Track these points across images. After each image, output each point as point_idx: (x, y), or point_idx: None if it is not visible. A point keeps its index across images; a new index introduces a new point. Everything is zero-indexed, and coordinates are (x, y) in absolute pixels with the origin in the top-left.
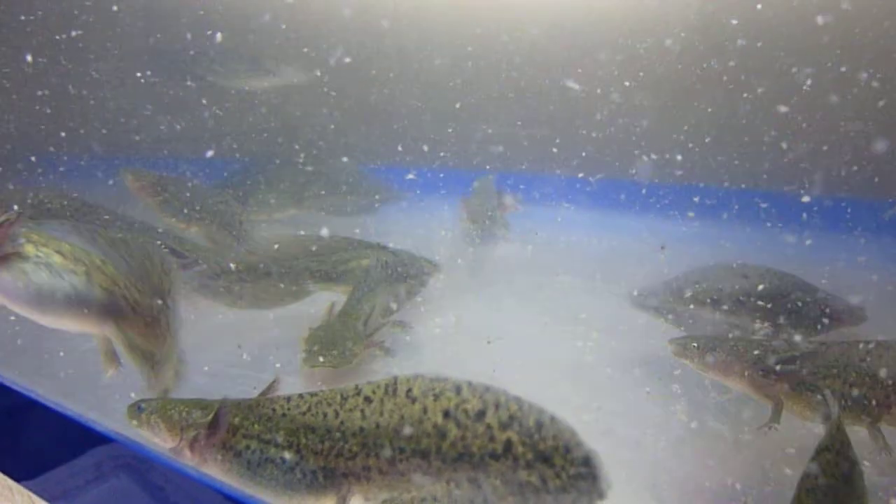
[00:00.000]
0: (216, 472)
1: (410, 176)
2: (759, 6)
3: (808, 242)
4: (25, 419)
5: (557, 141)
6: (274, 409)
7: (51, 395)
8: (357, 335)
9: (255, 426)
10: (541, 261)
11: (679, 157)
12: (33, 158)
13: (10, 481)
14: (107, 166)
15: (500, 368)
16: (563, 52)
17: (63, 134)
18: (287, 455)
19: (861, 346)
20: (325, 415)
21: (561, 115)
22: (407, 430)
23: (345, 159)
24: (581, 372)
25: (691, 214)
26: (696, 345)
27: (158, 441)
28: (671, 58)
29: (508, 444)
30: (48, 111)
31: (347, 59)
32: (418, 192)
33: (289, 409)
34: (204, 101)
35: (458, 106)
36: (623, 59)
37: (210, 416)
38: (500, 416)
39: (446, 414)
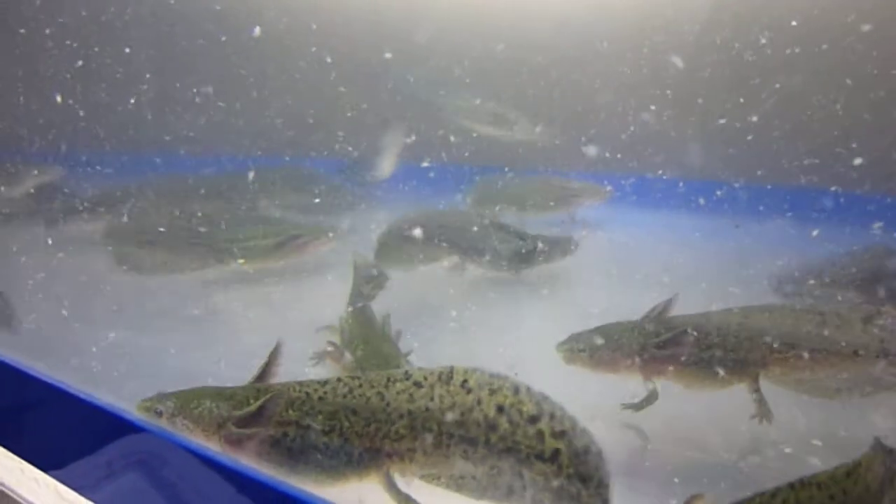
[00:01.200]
0: (254, 462)
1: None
2: None
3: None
4: (51, 409)
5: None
6: (307, 394)
7: (77, 384)
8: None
9: (291, 412)
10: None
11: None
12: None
13: (36, 472)
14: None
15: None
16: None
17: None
18: (329, 439)
19: (735, 311)
20: (368, 398)
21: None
22: (457, 417)
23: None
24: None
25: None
26: (582, 348)
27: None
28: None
29: (556, 454)
30: (82, 112)
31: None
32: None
33: (325, 392)
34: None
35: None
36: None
37: (248, 409)
38: (553, 426)
39: (500, 409)
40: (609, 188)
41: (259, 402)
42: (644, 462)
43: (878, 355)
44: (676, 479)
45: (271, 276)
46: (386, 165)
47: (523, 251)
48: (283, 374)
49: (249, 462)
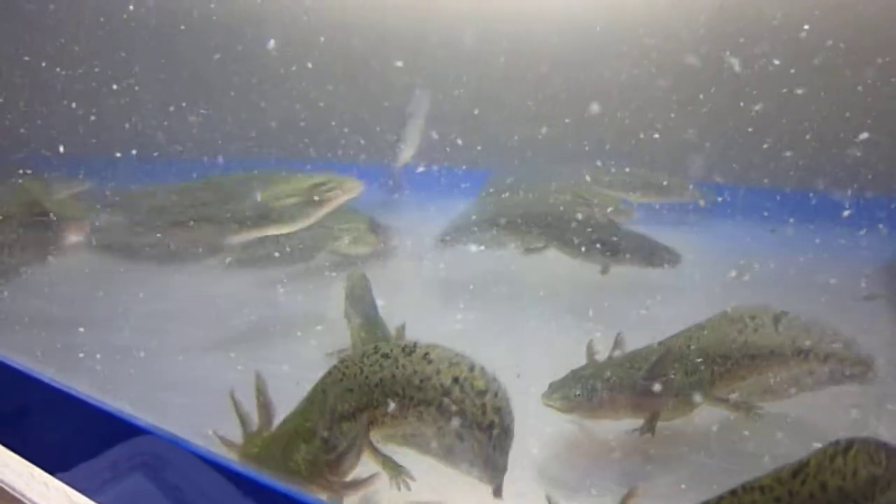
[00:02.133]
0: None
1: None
2: None
3: None
4: (60, 413)
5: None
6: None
7: (85, 389)
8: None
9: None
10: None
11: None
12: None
13: (45, 476)
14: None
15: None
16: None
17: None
18: (344, 430)
19: (684, 334)
20: (354, 375)
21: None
22: (417, 382)
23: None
24: None
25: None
26: (578, 393)
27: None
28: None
29: (491, 425)
30: (81, 113)
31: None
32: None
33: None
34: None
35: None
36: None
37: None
38: (495, 402)
39: (455, 380)
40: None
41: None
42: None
43: (792, 354)
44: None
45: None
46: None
47: (614, 245)
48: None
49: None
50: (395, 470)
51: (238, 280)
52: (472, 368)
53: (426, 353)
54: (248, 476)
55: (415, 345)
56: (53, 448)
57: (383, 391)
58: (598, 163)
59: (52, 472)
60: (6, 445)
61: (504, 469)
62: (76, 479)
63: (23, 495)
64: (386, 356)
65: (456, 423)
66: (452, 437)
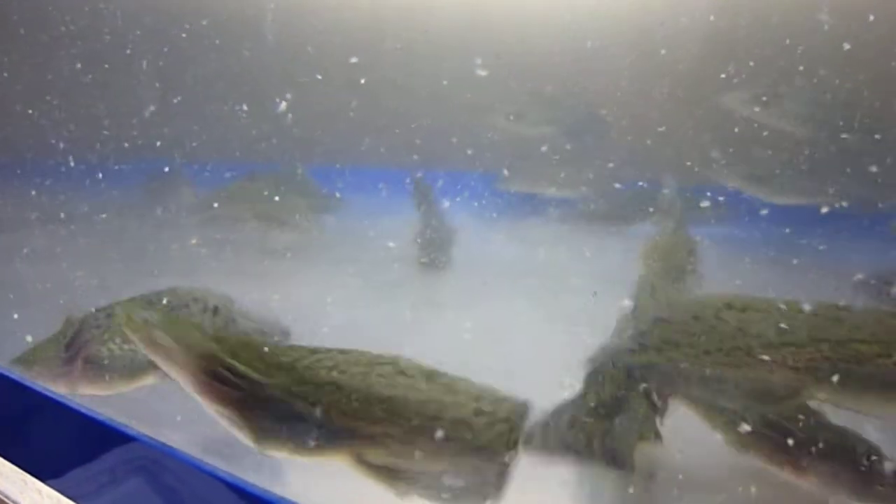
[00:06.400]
0: (223, 413)
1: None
2: None
3: None
4: (53, 421)
5: None
6: (295, 359)
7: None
8: None
9: (282, 377)
10: None
11: None
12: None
13: (38, 483)
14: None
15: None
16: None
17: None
18: (311, 410)
19: None
20: (352, 375)
21: None
22: (434, 413)
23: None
24: None
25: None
26: None
27: (159, 361)
28: None
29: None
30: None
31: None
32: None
33: (315, 362)
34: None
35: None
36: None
37: (218, 347)
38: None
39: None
40: None
41: (218, 340)
42: None
43: None
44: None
45: None
46: None
47: None
48: None
49: (216, 411)
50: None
51: None
52: (502, 399)
53: (449, 385)
54: (240, 485)
55: (437, 373)
56: (46, 456)
57: (390, 410)
58: None
59: (44, 479)
60: None
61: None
62: (69, 486)
63: (16, 503)
64: (404, 374)
65: (474, 458)
66: (470, 468)
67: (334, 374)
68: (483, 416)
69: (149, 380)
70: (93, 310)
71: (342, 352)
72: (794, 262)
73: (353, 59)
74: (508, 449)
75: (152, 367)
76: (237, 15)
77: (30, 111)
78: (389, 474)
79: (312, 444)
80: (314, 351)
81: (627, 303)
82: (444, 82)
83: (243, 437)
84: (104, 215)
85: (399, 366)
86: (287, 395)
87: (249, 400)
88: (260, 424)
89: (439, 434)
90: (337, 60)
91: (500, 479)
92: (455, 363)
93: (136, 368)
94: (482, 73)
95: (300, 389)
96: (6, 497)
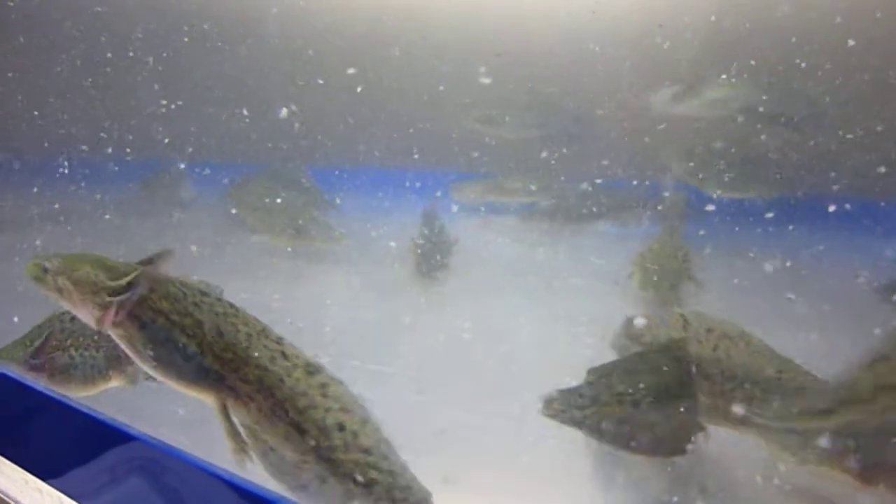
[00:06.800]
0: (122, 341)
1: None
2: None
3: None
4: (54, 420)
5: None
6: (185, 294)
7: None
8: None
9: (164, 303)
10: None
11: None
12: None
13: (38, 482)
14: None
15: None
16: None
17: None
18: (188, 344)
19: None
20: (237, 330)
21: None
22: (302, 405)
23: None
24: None
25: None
26: None
27: (65, 304)
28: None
29: (371, 482)
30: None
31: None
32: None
33: (202, 301)
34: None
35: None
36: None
37: (123, 282)
38: (380, 464)
39: (341, 427)
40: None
41: (130, 277)
42: None
43: None
44: None
45: None
46: None
47: None
48: None
49: (118, 339)
50: (239, 446)
51: None
52: (364, 422)
53: (324, 384)
54: (240, 484)
55: (320, 368)
56: (47, 455)
57: (261, 379)
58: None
59: (45, 478)
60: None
61: None
62: (70, 485)
63: (17, 502)
64: (285, 356)
65: (324, 466)
66: (313, 475)
67: (219, 321)
68: (344, 434)
69: (112, 383)
70: (59, 313)
71: (232, 306)
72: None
73: (351, 70)
74: (355, 482)
75: (114, 370)
76: (239, 17)
77: (31, 111)
78: (247, 433)
79: (188, 376)
80: (205, 294)
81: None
82: (441, 87)
83: (138, 361)
84: (107, 216)
85: (283, 348)
86: (168, 323)
87: (137, 325)
88: (145, 348)
89: (300, 423)
90: (336, 64)
91: (342, 500)
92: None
93: (96, 375)
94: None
95: (182, 321)
96: (7, 496)
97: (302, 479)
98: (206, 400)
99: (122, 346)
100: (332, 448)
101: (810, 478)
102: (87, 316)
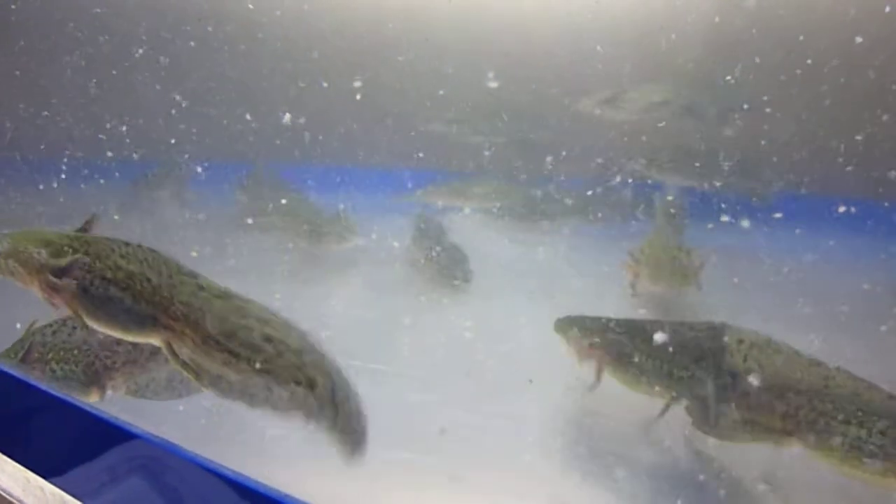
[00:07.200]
0: (70, 306)
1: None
2: None
3: None
4: (55, 419)
5: None
6: (112, 249)
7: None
8: None
9: (97, 263)
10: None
11: None
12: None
13: (41, 480)
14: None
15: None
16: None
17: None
18: (124, 296)
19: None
20: (160, 273)
21: None
22: (225, 329)
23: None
24: None
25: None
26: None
27: (18, 284)
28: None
29: (313, 382)
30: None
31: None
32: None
33: (127, 253)
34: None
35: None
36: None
37: (62, 263)
38: (316, 361)
39: (268, 339)
40: None
41: (69, 259)
42: None
43: None
44: None
45: None
46: None
47: None
48: None
49: (65, 306)
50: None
51: None
52: (287, 326)
53: (240, 307)
54: (244, 482)
55: (230, 294)
56: (49, 454)
57: (186, 313)
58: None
59: (47, 477)
60: (1, 451)
61: (353, 433)
62: (72, 484)
63: (20, 501)
64: (201, 288)
65: (265, 378)
66: (259, 388)
67: (145, 268)
68: (273, 343)
69: (92, 398)
70: (40, 324)
71: (152, 250)
72: None
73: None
74: (297, 383)
75: (94, 385)
76: (242, 20)
77: (32, 111)
78: (195, 369)
79: (131, 325)
80: (128, 244)
81: None
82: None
83: (86, 321)
84: (116, 217)
85: (199, 280)
86: (104, 282)
87: (78, 290)
88: (88, 308)
89: (232, 348)
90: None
91: (290, 403)
92: None
93: (76, 389)
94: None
95: (114, 276)
96: (9, 495)
97: (252, 396)
98: (154, 342)
99: (69, 311)
100: (267, 360)
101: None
102: (38, 294)
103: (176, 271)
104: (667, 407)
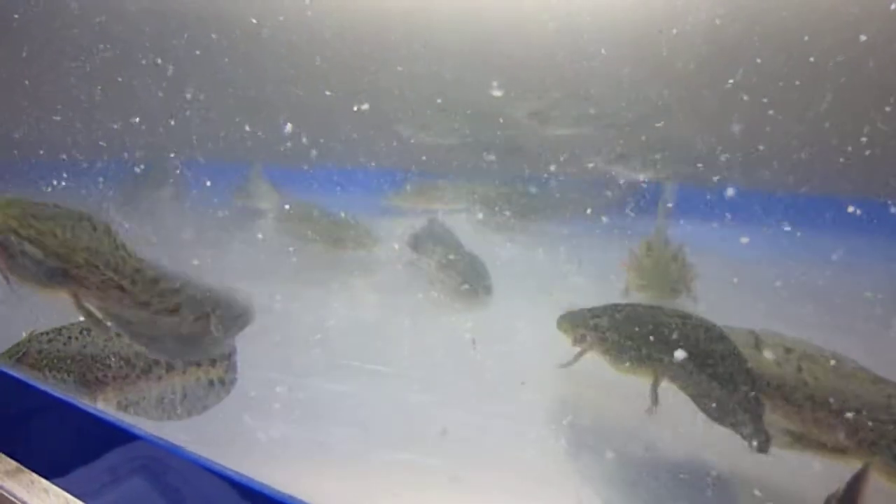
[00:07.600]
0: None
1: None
2: None
3: None
4: (60, 421)
5: None
6: (24, 209)
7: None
8: None
9: (12, 221)
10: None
11: None
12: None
13: (45, 482)
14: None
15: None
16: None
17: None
18: (35, 251)
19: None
20: (66, 228)
21: None
22: (111, 265)
23: None
24: None
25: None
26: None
27: None
28: None
29: (177, 307)
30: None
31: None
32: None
33: (39, 212)
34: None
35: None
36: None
37: None
38: (173, 286)
39: (137, 270)
40: None
41: None
42: None
43: None
44: None
45: None
46: None
47: None
48: None
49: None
50: (99, 327)
51: None
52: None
53: (123, 243)
54: (246, 483)
55: (125, 248)
56: (53, 455)
57: (87, 259)
58: None
59: (51, 478)
60: (6, 453)
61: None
62: (76, 485)
63: (24, 502)
64: (94, 228)
65: (146, 312)
66: (148, 326)
67: (53, 224)
68: (174, 296)
69: None
70: (37, 333)
71: (56, 206)
72: None
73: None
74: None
75: (85, 397)
76: (243, 24)
77: (33, 111)
78: (104, 315)
79: (43, 279)
80: (37, 204)
81: None
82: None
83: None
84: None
85: (92, 223)
86: (18, 238)
87: (1, 248)
88: (10, 264)
89: (123, 288)
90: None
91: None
92: None
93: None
94: None
95: (27, 233)
96: (13, 496)
97: (158, 337)
98: (64, 296)
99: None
100: (136, 292)
101: None
102: None
103: (77, 222)
104: (654, 390)
